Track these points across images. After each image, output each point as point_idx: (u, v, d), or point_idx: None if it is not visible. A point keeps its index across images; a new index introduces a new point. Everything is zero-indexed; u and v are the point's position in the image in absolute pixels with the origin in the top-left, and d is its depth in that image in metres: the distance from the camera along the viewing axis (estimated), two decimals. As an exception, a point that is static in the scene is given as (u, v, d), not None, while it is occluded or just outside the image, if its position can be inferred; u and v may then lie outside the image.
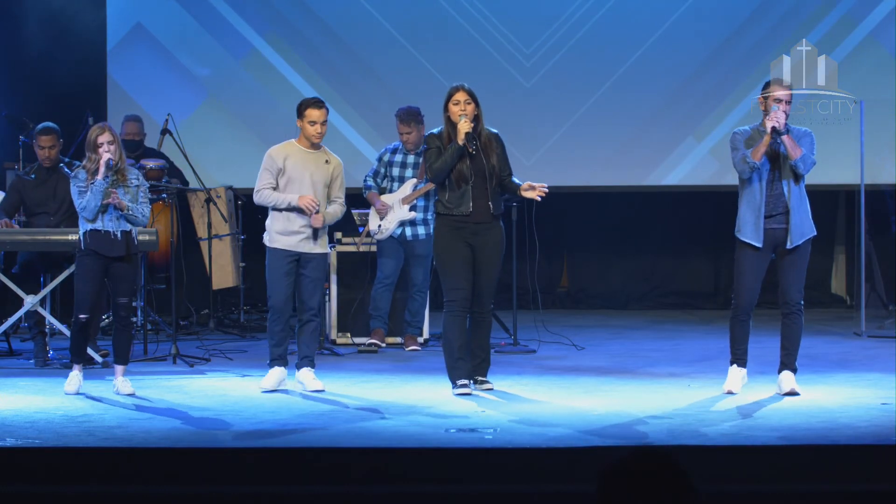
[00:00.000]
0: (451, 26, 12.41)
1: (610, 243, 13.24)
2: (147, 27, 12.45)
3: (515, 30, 12.45)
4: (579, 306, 13.11)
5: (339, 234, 10.70)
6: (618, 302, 13.16)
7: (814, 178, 12.25)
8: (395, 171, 10.50)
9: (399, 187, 10.46)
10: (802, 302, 8.35)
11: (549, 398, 8.25)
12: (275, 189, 8.72)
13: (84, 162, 8.54)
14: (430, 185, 10.11)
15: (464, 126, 8.25)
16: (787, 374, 8.30)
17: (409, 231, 10.45)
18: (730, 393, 8.28)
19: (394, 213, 10.42)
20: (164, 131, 11.30)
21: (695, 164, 12.52)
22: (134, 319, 10.92)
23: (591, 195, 12.81)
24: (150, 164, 11.27)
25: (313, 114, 8.71)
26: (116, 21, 12.42)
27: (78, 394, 8.41)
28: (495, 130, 8.54)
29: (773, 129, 8.14)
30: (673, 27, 12.40)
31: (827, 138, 12.24)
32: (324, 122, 8.72)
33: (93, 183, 8.39)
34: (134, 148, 11.62)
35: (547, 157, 12.44)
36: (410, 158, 10.45)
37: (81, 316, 8.48)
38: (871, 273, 12.07)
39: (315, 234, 8.70)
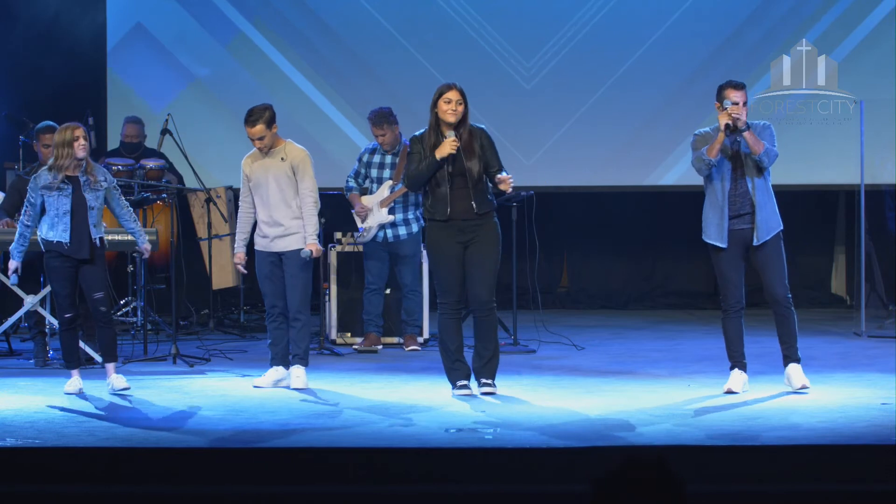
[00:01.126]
0: (452, 29, 12.41)
1: (610, 243, 13.24)
2: (147, 27, 12.45)
3: (516, 31, 12.44)
4: (579, 306, 13.10)
5: (338, 235, 10.70)
6: (618, 302, 13.16)
7: (814, 178, 12.35)
8: (374, 172, 10.48)
9: (378, 188, 10.45)
10: (790, 296, 8.36)
11: (549, 398, 8.25)
12: (248, 197, 8.83)
13: (51, 161, 8.47)
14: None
15: (449, 148, 8.13)
16: (793, 366, 8.34)
17: (390, 233, 10.44)
18: (730, 392, 8.28)
19: (373, 215, 10.41)
20: (164, 131, 11.31)
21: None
22: (134, 320, 10.95)
23: (591, 195, 12.81)
24: (150, 164, 11.28)
25: (249, 132, 8.78)
26: (116, 21, 12.42)
27: (79, 394, 8.42)
28: (482, 126, 8.44)
29: (727, 125, 8.17)
30: (673, 27, 12.40)
31: (827, 138, 12.26)
32: (260, 137, 8.72)
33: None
34: (134, 149, 11.63)
35: (547, 157, 12.44)
36: (388, 159, 10.45)
37: (66, 315, 8.48)
38: (871, 273, 12.06)
39: (288, 232, 8.74)
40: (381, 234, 10.43)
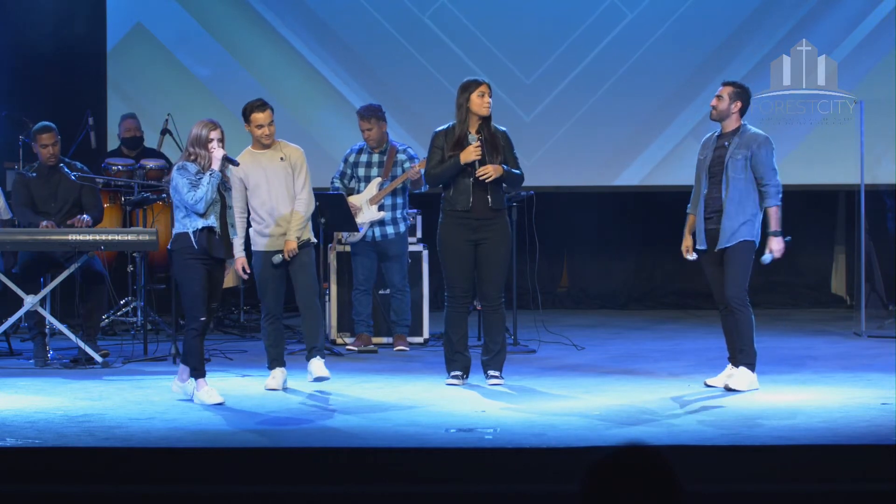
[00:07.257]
0: (452, 30, 12.41)
1: (610, 243, 13.23)
2: (147, 27, 12.45)
3: (516, 32, 12.44)
4: (579, 306, 13.10)
5: (339, 235, 10.68)
6: (618, 302, 13.16)
7: (814, 177, 12.34)
8: (361, 172, 10.46)
9: (366, 187, 10.44)
10: (740, 298, 8.37)
11: (549, 398, 8.25)
12: (243, 201, 8.59)
13: (189, 156, 8.12)
14: (396, 183, 10.24)
15: (474, 154, 8.44)
16: (729, 368, 8.50)
17: (378, 231, 10.43)
18: (705, 385, 8.49)
19: (363, 214, 10.40)
20: (164, 131, 11.30)
21: (694, 164, 12.49)
22: (134, 320, 10.95)
23: (591, 195, 12.81)
24: (150, 164, 11.29)
25: (258, 117, 8.61)
26: (116, 21, 12.42)
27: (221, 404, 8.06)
28: (503, 128, 8.70)
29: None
30: (674, 27, 12.39)
31: (827, 138, 12.26)
32: (270, 123, 8.63)
33: (210, 173, 8.05)
34: (135, 144, 11.63)
35: (547, 157, 12.44)
36: (375, 157, 10.45)
37: (202, 319, 8.08)
38: (871, 273, 12.06)
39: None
40: (369, 232, 10.42)
